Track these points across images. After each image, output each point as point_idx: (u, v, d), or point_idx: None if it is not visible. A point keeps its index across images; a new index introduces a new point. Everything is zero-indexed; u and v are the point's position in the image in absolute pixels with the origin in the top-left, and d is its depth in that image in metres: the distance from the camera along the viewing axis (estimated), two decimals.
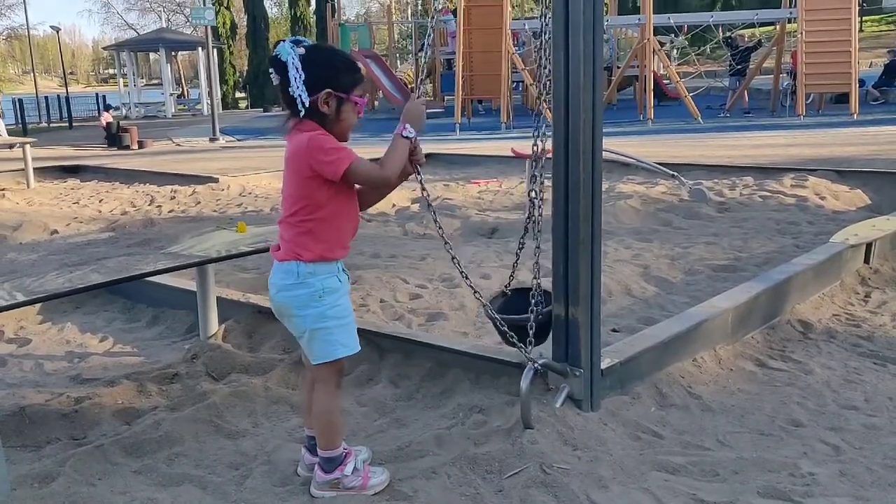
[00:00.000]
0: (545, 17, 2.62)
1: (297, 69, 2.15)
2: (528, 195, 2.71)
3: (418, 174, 2.42)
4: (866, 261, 4.76)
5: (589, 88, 2.56)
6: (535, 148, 2.66)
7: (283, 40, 2.20)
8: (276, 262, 2.31)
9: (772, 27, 20.28)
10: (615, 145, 9.60)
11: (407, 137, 2.30)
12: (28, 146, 10.42)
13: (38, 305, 4.46)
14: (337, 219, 2.27)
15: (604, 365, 2.82)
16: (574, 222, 2.62)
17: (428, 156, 10.95)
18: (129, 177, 10.57)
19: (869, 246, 4.76)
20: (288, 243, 2.28)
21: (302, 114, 2.19)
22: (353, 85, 2.24)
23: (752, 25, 18.60)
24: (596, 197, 2.64)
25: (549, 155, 2.69)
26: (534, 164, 2.64)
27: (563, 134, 2.61)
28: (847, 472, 2.44)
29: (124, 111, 28.20)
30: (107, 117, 18.39)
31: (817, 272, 4.27)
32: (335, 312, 2.28)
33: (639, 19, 17.06)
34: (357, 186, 2.35)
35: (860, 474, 2.43)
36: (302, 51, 2.17)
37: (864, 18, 32.44)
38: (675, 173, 7.47)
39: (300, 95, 2.16)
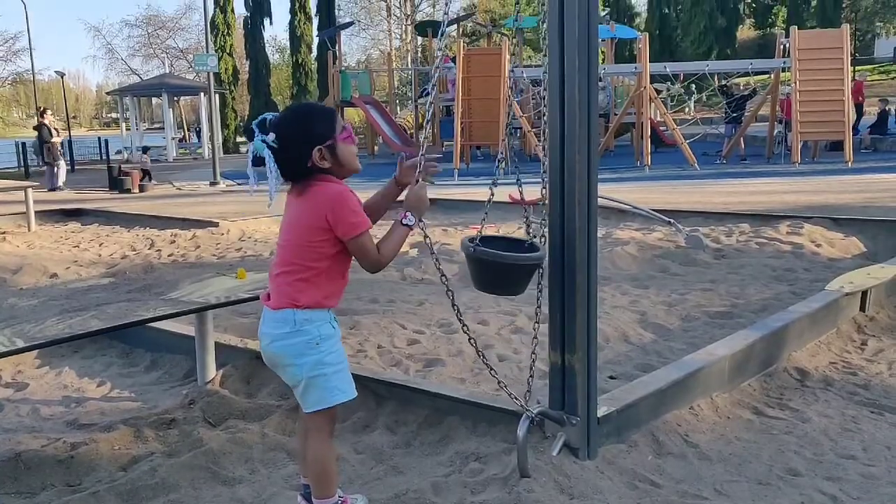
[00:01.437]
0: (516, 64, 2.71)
1: (271, 160, 2.24)
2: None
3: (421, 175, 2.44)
4: (862, 308, 4.79)
5: (584, 137, 2.61)
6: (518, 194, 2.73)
7: (254, 131, 2.27)
8: (269, 310, 2.32)
9: (767, 76, 20.60)
10: (613, 191, 9.69)
11: (407, 225, 2.35)
12: (30, 189, 10.50)
13: (36, 350, 4.46)
14: (335, 271, 2.31)
15: (600, 413, 2.83)
16: (570, 270, 2.65)
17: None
18: (130, 220, 10.62)
19: (864, 293, 4.79)
20: (282, 288, 2.30)
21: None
22: (332, 128, 2.29)
23: (746, 74, 18.89)
24: (592, 245, 2.67)
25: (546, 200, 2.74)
26: (525, 209, 2.70)
27: (559, 182, 2.65)
28: None
29: (126, 155, 28.45)
30: (145, 162, 18.53)
31: (813, 320, 4.29)
32: (332, 359, 2.30)
33: (635, 67, 17.35)
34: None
35: None
36: (272, 136, 2.24)
37: (856, 68, 32.98)
38: (672, 220, 7.53)
39: (272, 189, 2.26)
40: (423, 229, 2.55)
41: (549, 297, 2.78)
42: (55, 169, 17.64)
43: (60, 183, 17.42)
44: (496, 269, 2.59)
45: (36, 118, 20.40)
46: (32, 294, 6.20)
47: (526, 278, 2.65)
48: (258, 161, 2.26)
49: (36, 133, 19.02)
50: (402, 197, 2.46)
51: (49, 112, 19.50)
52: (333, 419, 2.41)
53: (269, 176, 2.24)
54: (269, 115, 2.31)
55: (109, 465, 2.96)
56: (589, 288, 2.67)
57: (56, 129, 18.33)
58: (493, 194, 2.80)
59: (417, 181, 2.43)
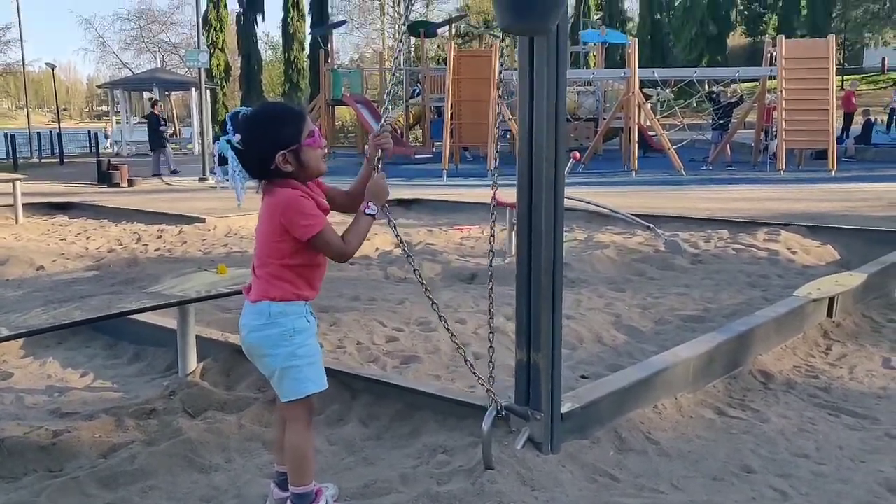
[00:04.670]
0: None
1: (235, 161, 2.33)
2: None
3: (379, 163, 2.51)
4: (829, 315, 4.92)
5: (552, 143, 2.72)
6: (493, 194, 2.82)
7: (227, 124, 2.35)
8: (248, 303, 2.43)
9: (755, 83, 20.80)
10: (599, 195, 9.84)
11: (370, 215, 2.43)
12: (18, 182, 10.53)
13: (21, 340, 4.54)
14: (306, 266, 2.40)
15: (564, 409, 2.94)
16: (536, 271, 2.77)
17: (414, 201, 11.22)
18: (118, 215, 10.68)
19: (832, 300, 4.93)
20: (259, 282, 2.40)
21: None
22: (298, 133, 2.36)
23: (734, 81, 19.10)
24: (557, 247, 2.79)
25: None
26: (492, 210, 2.82)
27: (527, 186, 2.77)
28: None
29: (115, 149, 28.45)
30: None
31: (780, 324, 4.42)
32: (304, 352, 2.40)
33: (624, 73, 17.51)
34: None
35: None
36: (238, 137, 2.32)
37: (844, 77, 33.32)
38: (651, 225, 7.66)
39: (238, 188, 2.35)
40: (394, 229, 2.65)
41: (516, 296, 2.89)
42: (162, 156, 19.11)
43: (173, 166, 18.92)
44: None
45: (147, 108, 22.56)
46: (18, 286, 6.27)
47: (551, 2, 2.50)
48: (223, 160, 2.35)
49: (146, 122, 20.63)
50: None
51: (159, 103, 21.10)
52: (311, 410, 2.51)
53: (232, 177, 2.33)
54: (242, 109, 2.39)
55: (90, 453, 3.05)
56: (554, 289, 2.79)
57: (165, 119, 19.98)
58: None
59: (377, 170, 2.50)
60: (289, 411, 2.46)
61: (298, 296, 2.40)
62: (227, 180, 2.38)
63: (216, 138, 2.40)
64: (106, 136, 32.03)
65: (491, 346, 2.79)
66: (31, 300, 5.51)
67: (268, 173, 2.35)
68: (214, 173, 2.59)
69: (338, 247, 2.37)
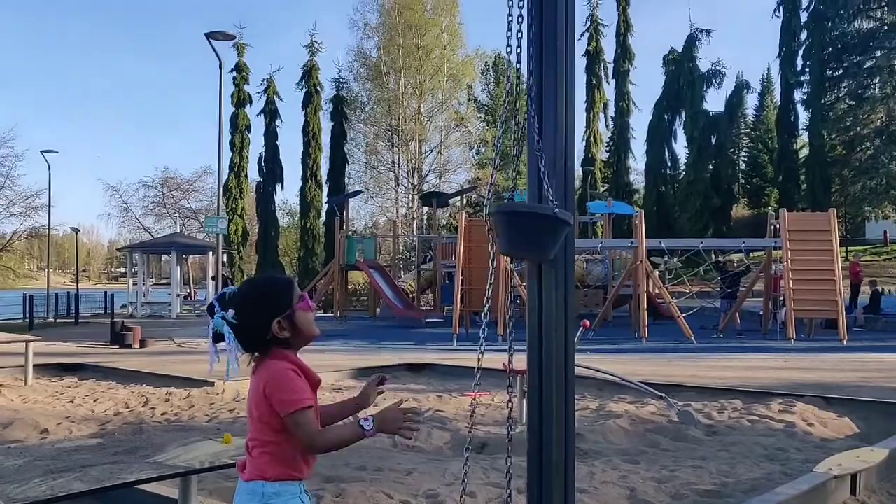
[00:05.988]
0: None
1: (232, 336, 2.33)
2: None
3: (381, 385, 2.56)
4: (853, 492, 4.75)
5: (561, 317, 2.76)
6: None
7: (215, 306, 2.37)
8: (242, 481, 2.36)
9: (762, 252, 21.19)
10: (610, 363, 9.79)
11: (363, 429, 2.30)
12: (31, 343, 10.61)
13: None
14: (298, 442, 2.32)
15: None
16: (548, 446, 2.72)
17: (424, 366, 11.17)
18: (127, 377, 10.65)
19: (854, 477, 4.77)
20: (252, 460, 2.33)
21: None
22: (290, 300, 2.37)
23: (740, 251, 19.49)
24: (569, 420, 2.75)
25: None
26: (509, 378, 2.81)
27: (537, 358, 2.77)
28: None
29: (130, 309, 28.82)
30: None
31: (802, 502, 4.25)
32: None
33: (632, 242, 17.92)
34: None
35: None
36: (232, 312, 2.34)
37: (848, 248, 33.92)
38: (663, 394, 7.56)
39: (234, 363, 2.36)
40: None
41: (527, 471, 2.82)
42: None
43: None
44: (514, 221, 2.61)
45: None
46: (20, 453, 6.15)
47: (548, 235, 2.62)
48: (218, 338, 2.35)
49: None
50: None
51: (226, 265, 21.72)
52: None
53: (230, 351, 2.33)
54: (227, 290, 2.42)
55: None
56: (566, 464, 2.72)
57: (230, 280, 20.04)
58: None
59: (401, 402, 2.48)
60: None
61: (293, 476, 2.32)
62: (218, 358, 2.39)
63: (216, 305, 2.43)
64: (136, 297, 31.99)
65: None
66: (32, 469, 5.39)
67: (264, 343, 2.34)
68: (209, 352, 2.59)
69: (309, 435, 2.26)
